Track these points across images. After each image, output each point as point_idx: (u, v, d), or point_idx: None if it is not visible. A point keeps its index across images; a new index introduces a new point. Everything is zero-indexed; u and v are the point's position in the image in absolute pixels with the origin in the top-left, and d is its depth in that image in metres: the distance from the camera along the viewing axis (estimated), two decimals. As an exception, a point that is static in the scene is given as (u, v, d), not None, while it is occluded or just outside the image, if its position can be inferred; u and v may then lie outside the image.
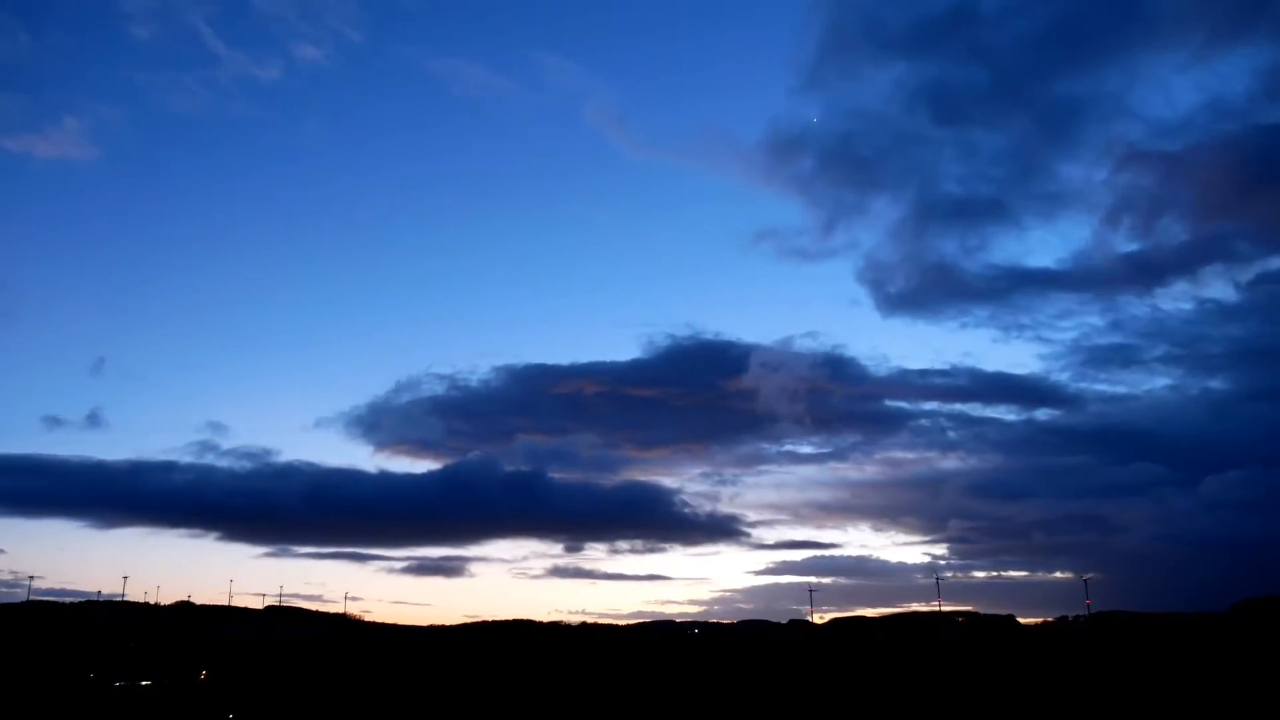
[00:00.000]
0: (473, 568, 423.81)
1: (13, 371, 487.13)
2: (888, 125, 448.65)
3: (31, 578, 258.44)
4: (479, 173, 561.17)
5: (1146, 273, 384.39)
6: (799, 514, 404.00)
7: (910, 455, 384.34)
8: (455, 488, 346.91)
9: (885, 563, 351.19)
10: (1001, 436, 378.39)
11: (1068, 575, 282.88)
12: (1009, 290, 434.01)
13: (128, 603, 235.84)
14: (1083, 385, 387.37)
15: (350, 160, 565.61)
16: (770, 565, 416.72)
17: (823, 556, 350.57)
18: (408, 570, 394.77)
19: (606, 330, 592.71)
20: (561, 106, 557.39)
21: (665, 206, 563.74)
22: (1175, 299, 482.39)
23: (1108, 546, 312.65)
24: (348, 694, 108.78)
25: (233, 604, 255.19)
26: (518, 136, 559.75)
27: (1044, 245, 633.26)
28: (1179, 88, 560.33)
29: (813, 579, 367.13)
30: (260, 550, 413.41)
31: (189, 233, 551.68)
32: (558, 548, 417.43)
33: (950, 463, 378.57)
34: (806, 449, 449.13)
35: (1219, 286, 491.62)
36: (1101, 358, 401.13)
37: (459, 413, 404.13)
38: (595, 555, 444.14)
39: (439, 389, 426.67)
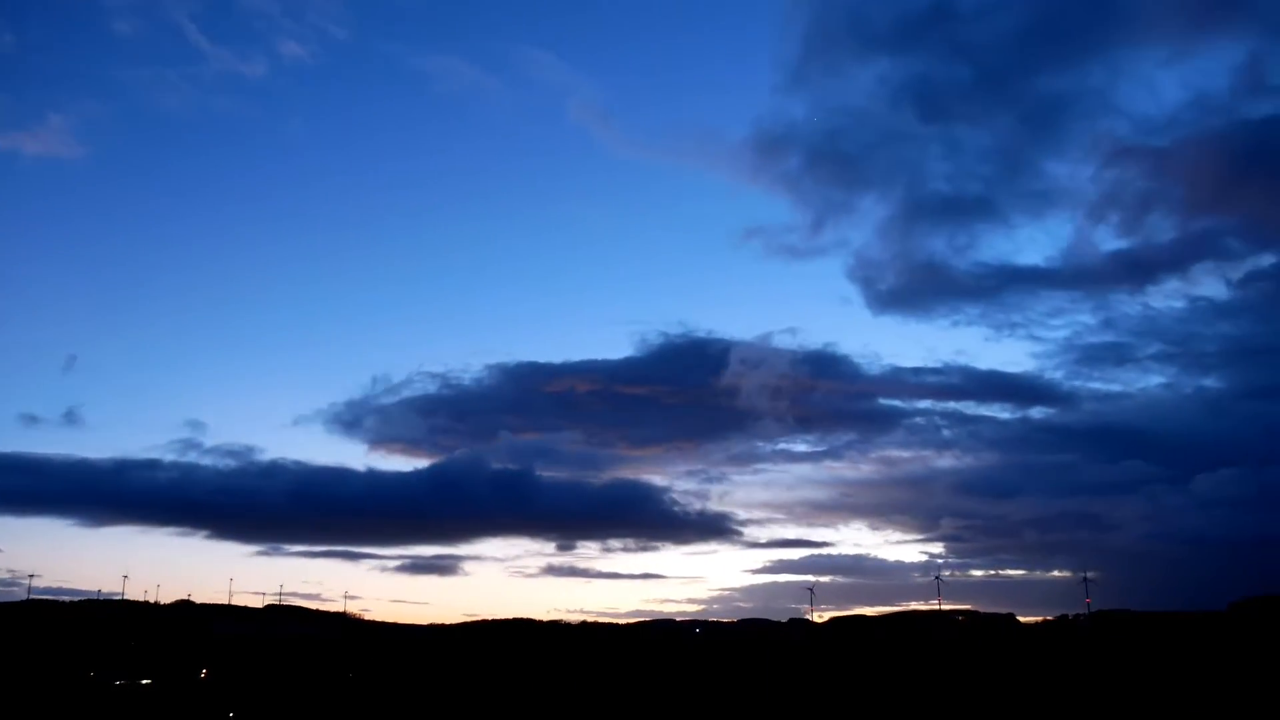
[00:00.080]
0: (467, 566, 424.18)
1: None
2: (873, 122, 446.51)
3: (31, 576, 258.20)
4: (466, 170, 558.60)
5: (1137, 270, 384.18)
6: (794, 513, 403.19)
7: (905, 454, 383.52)
8: (447, 486, 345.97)
9: (882, 561, 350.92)
10: (996, 435, 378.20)
11: (1065, 574, 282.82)
12: (999, 288, 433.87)
13: (127, 601, 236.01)
14: (1076, 383, 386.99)
15: (338, 158, 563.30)
16: (767, 564, 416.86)
17: (819, 555, 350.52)
18: (401, 569, 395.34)
19: (599, 328, 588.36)
20: (546, 103, 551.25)
21: (654, 204, 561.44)
22: (1167, 297, 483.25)
23: (1105, 545, 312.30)
24: (349, 693, 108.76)
25: (232, 603, 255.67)
26: (503, 133, 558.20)
27: (1033, 243, 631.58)
28: (1162, 83, 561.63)
29: (810, 578, 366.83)
30: (252, 549, 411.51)
31: (174, 230, 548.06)
32: (550, 546, 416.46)
33: (945, 461, 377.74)
34: (801, 447, 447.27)
35: (1210, 284, 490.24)
36: (1094, 356, 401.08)
37: (451, 411, 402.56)
38: (589, 554, 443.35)
39: (431, 387, 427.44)
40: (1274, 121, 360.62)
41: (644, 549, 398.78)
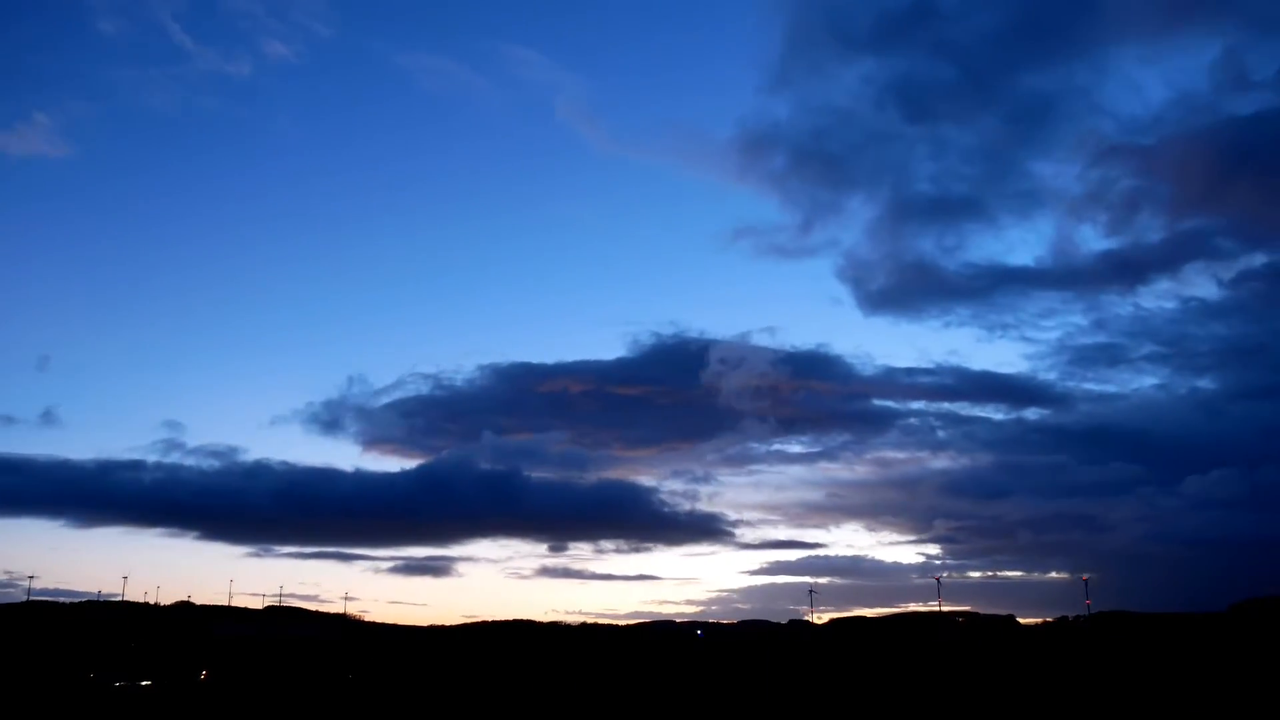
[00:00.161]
0: (461, 567, 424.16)
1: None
2: (858, 123, 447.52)
3: (31, 578, 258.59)
4: (455, 170, 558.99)
5: (1128, 271, 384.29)
6: (789, 514, 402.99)
7: (900, 455, 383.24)
8: (439, 487, 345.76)
9: (880, 563, 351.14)
10: (991, 436, 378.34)
11: (1063, 575, 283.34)
12: (989, 289, 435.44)
13: (127, 603, 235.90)
14: (1070, 384, 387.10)
15: (325, 158, 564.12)
16: (764, 565, 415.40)
17: (816, 556, 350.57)
18: (394, 570, 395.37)
19: (591, 329, 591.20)
20: (533, 101, 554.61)
21: (643, 204, 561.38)
22: (1158, 297, 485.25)
23: (1102, 546, 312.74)
24: (350, 694, 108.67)
25: (232, 604, 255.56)
26: (491, 132, 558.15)
27: (1022, 243, 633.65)
28: (1146, 81, 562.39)
29: (807, 579, 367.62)
30: (243, 550, 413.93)
31: (161, 230, 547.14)
32: (544, 547, 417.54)
33: (941, 462, 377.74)
34: (795, 448, 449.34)
35: (1202, 284, 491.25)
36: (1087, 357, 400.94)
37: (443, 412, 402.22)
38: (583, 555, 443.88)
39: (423, 388, 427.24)
40: (1260, 118, 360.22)
41: (638, 550, 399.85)
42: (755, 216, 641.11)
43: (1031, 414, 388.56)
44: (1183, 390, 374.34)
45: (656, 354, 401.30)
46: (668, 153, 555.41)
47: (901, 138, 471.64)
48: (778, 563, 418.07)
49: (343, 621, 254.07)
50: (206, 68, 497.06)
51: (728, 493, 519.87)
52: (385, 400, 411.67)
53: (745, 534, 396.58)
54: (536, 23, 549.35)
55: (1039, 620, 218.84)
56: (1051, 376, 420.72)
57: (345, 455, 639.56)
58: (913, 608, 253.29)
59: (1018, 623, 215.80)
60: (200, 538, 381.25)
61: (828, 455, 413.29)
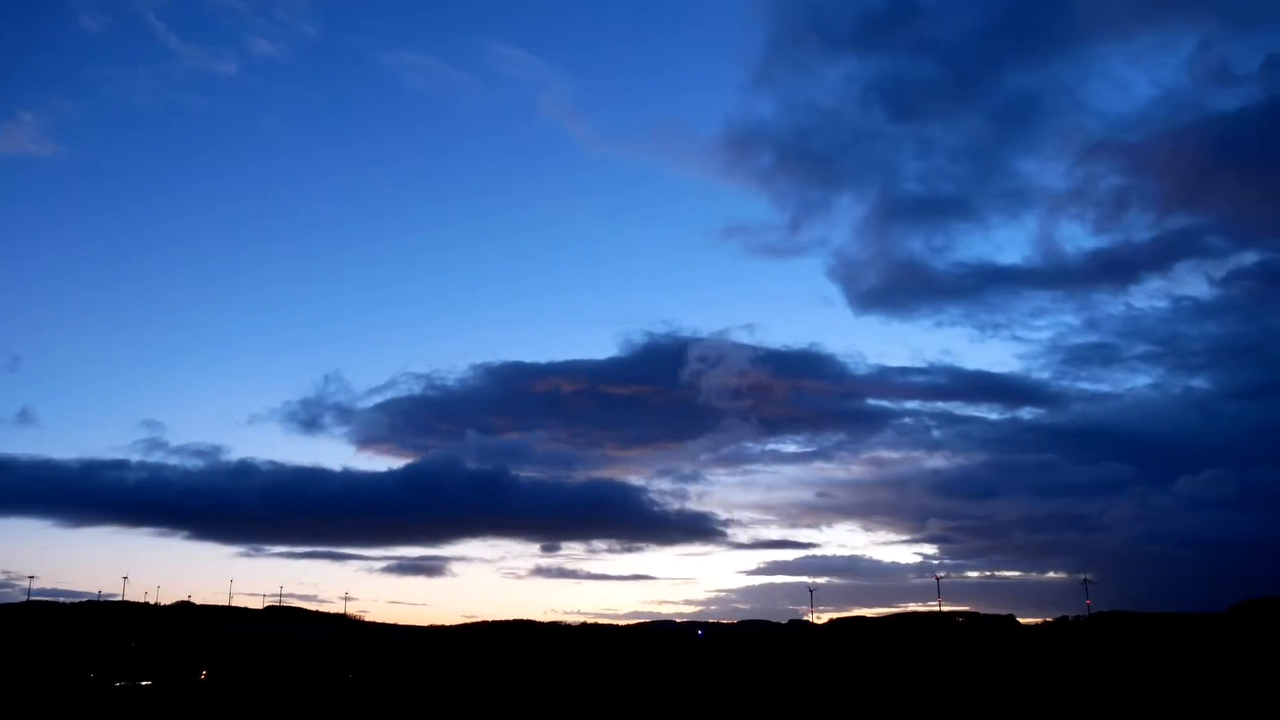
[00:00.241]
0: (456, 567, 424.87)
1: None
2: (843, 121, 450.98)
3: (31, 578, 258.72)
4: (442, 169, 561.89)
5: (1118, 270, 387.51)
6: (785, 514, 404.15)
7: (895, 455, 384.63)
8: (432, 487, 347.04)
9: (878, 563, 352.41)
10: (986, 435, 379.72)
11: (1061, 575, 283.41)
12: (980, 288, 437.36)
13: (127, 603, 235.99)
14: (1064, 384, 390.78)
15: (314, 158, 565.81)
16: (761, 565, 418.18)
17: (813, 557, 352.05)
18: (388, 570, 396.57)
19: (584, 328, 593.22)
20: (517, 99, 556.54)
21: (631, 203, 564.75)
22: (1150, 296, 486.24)
23: (1100, 546, 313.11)
24: (351, 694, 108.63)
25: (232, 604, 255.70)
26: (476, 130, 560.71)
27: (1011, 242, 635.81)
28: (1130, 78, 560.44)
29: (805, 579, 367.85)
30: (234, 550, 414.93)
31: (148, 229, 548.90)
32: (537, 547, 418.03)
33: (936, 462, 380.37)
34: (790, 448, 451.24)
35: (1193, 283, 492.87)
36: (1081, 356, 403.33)
37: (435, 412, 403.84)
38: (577, 555, 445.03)
39: (416, 388, 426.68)
40: (1245, 114, 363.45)
41: (633, 550, 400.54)
42: (744, 215, 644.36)
43: (1026, 413, 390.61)
44: (1177, 390, 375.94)
45: (649, 353, 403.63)
46: (654, 151, 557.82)
47: (887, 137, 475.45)
48: (774, 563, 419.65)
49: (343, 621, 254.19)
50: (193, 66, 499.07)
51: (722, 493, 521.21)
52: (377, 400, 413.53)
53: (741, 534, 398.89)
54: (521, 21, 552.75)
55: (1039, 620, 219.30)
56: (1045, 376, 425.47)
57: (334, 455, 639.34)
58: (912, 608, 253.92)
59: (1018, 623, 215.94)
60: (191, 537, 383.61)
61: (822, 455, 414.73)
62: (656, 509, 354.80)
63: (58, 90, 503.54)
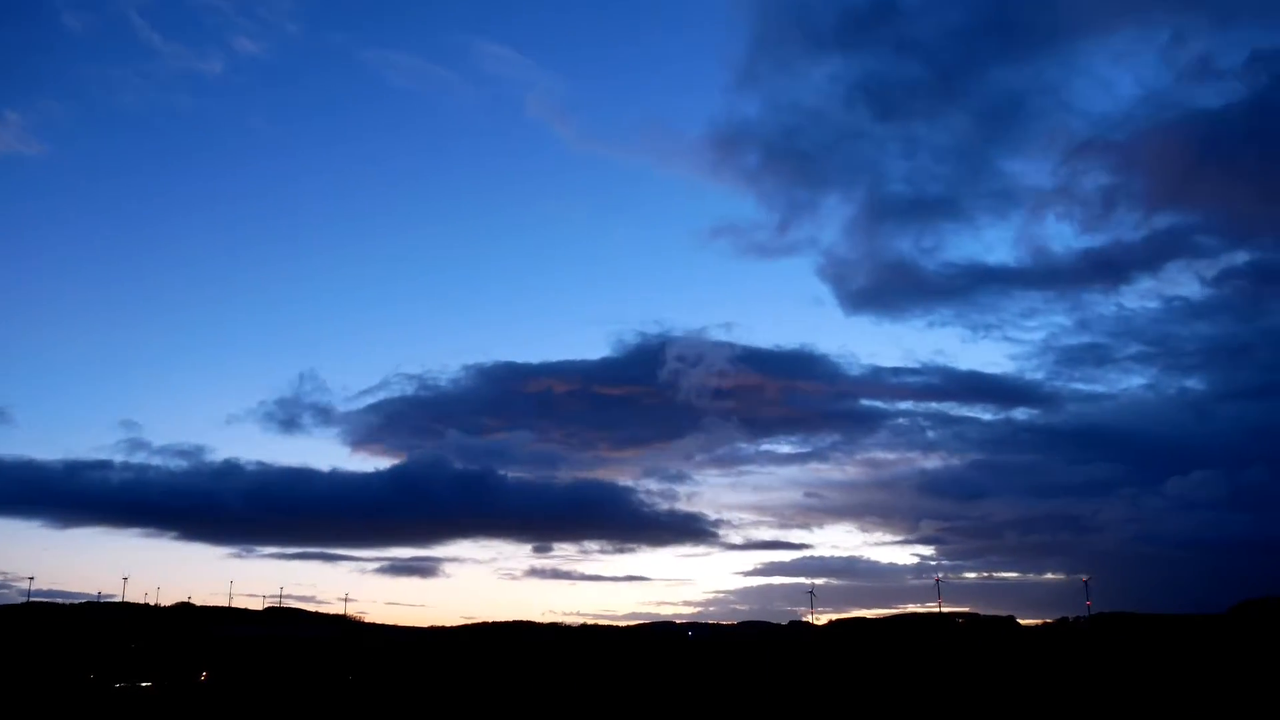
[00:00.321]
0: (451, 568, 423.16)
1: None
2: (828, 121, 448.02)
3: (30, 579, 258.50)
4: (430, 169, 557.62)
5: (1109, 270, 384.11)
6: (780, 515, 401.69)
7: (890, 455, 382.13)
8: (424, 487, 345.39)
9: (875, 564, 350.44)
10: (981, 436, 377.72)
11: (1059, 576, 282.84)
12: (970, 288, 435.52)
13: (127, 604, 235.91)
14: (1058, 384, 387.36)
15: (304, 158, 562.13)
16: (758, 566, 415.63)
17: (810, 557, 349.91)
18: (381, 571, 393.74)
19: (576, 328, 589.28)
20: (505, 98, 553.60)
21: (620, 202, 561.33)
22: (1141, 296, 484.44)
23: (1098, 546, 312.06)
24: (350, 695, 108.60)
25: (231, 605, 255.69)
26: (464, 129, 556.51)
27: (1000, 242, 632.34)
28: (1114, 76, 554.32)
29: (802, 580, 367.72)
30: (225, 550, 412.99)
31: (136, 229, 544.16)
32: (529, 548, 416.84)
33: (931, 462, 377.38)
34: (785, 449, 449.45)
35: (1184, 282, 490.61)
36: (1074, 357, 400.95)
37: (428, 412, 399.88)
38: (572, 555, 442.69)
39: (408, 389, 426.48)
40: (1230, 110, 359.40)
41: (628, 551, 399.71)
42: (733, 214, 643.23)
43: (1020, 414, 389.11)
44: (1171, 390, 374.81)
45: (641, 354, 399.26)
46: (641, 150, 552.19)
47: (872, 136, 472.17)
48: (771, 564, 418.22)
49: (343, 623, 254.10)
50: (178, 65, 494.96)
51: (716, 494, 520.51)
52: (369, 401, 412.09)
53: (736, 535, 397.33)
54: (506, 19, 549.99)
55: (1039, 621, 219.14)
56: (1039, 376, 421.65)
57: (324, 455, 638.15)
58: (910, 608, 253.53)
59: (1018, 623, 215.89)
60: (181, 538, 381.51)
61: (817, 456, 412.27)
62: (650, 510, 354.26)
63: (43, 89, 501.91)
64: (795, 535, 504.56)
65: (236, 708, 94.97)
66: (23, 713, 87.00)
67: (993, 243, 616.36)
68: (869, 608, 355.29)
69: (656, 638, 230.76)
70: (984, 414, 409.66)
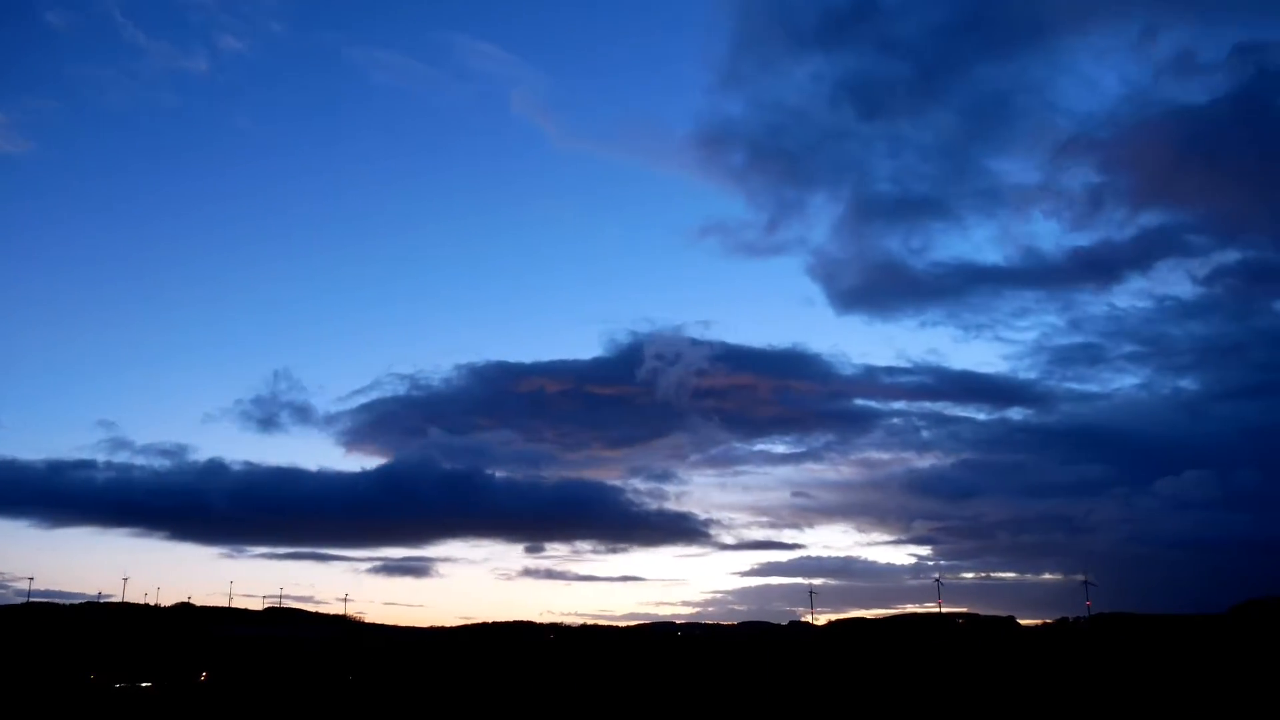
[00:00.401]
0: (446, 568, 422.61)
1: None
2: (813, 120, 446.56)
3: (31, 579, 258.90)
4: (420, 168, 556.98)
5: (1099, 269, 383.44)
6: (775, 515, 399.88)
7: (885, 455, 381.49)
8: (417, 487, 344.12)
9: (872, 564, 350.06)
10: (976, 436, 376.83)
11: (1057, 576, 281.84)
12: (961, 288, 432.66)
13: (127, 604, 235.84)
14: (1051, 384, 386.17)
15: (291, 157, 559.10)
16: (755, 566, 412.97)
17: (807, 557, 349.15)
18: (374, 571, 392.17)
19: (568, 328, 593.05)
20: (490, 96, 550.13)
21: (611, 201, 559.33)
22: (1132, 296, 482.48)
23: (1095, 546, 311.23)
24: (350, 695, 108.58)
25: (232, 606, 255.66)
26: (451, 129, 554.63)
27: (989, 242, 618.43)
28: (1098, 74, 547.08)
29: (799, 580, 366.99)
30: (216, 551, 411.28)
31: (122, 228, 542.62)
32: (522, 548, 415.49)
33: (926, 462, 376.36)
34: (780, 448, 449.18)
35: (1175, 281, 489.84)
36: (1066, 357, 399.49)
37: (420, 412, 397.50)
38: (567, 555, 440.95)
39: (400, 389, 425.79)
40: (1215, 105, 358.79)
41: (620, 551, 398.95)
42: (722, 213, 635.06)
43: (1015, 414, 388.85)
44: (1165, 390, 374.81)
45: (634, 353, 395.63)
46: (629, 149, 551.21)
47: (857, 135, 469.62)
48: (767, 564, 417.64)
49: (343, 623, 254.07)
50: (164, 64, 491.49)
51: (711, 494, 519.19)
52: (361, 400, 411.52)
53: (731, 535, 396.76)
54: (489, 16, 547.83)
55: (1039, 621, 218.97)
56: (1032, 376, 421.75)
57: (313, 455, 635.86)
58: (909, 609, 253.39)
59: (1018, 624, 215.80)
60: (170, 537, 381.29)
61: (812, 456, 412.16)
62: (643, 509, 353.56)
63: (28, 87, 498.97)
64: (790, 535, 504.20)
65: (237, 708, 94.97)
66: (23, 713, 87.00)
67: (981, 242, 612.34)
68: (867, 608, 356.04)
69: (657, 638, 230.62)
70: (978, 414, 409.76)
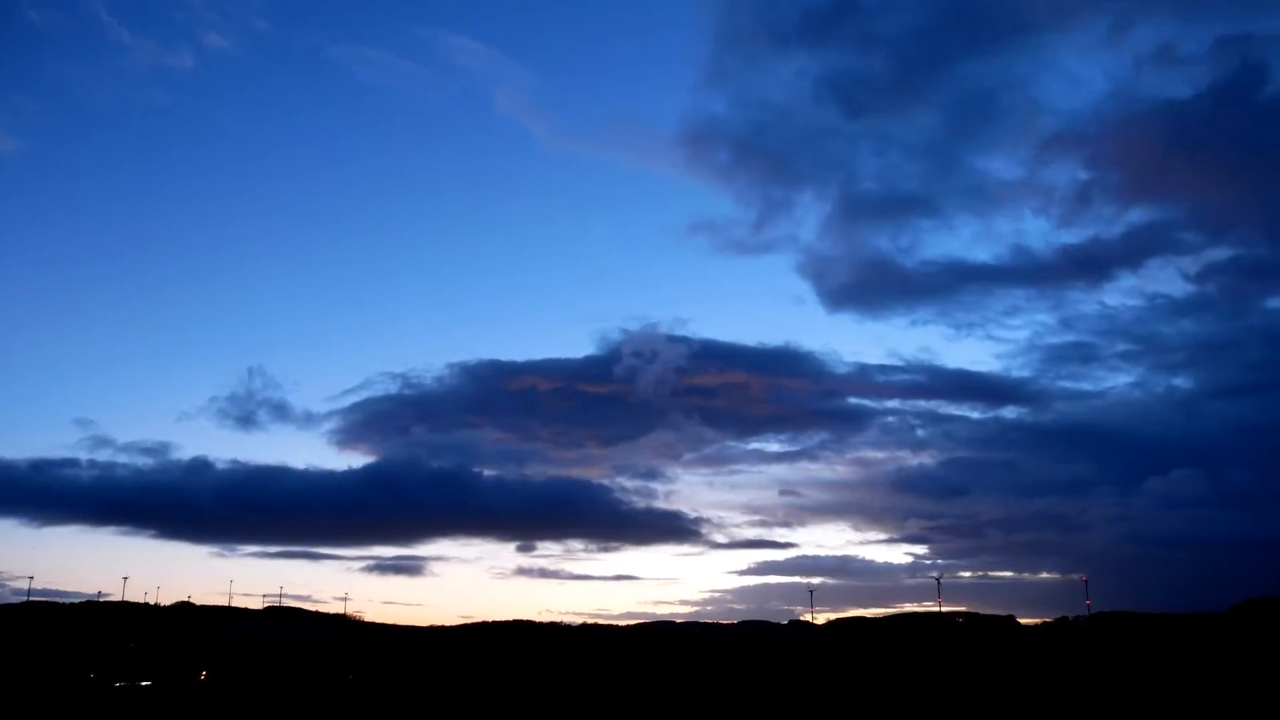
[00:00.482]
0: (443, 567, 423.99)
1: None
2: (797, 118, 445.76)
3: (31, 579, 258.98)
4: (409, 167, 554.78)
5: (1089, 267, 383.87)
6: (770, 514, 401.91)
7: (880, 454, 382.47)
8: (409, 486, 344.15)
9: (870, 563, 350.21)
10: (971, 434, 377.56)
11: (1054, 576, 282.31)
12: (951, 286, 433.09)
13: (127, 603, 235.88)
14: (1045, 382, 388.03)
15: (280, 156, 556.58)
16: (751, 565, 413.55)
17: (805, 557, 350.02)
18: (367, 570, 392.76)
19: (561, 326, 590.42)
20: (476, 93, 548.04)
21: (601, 200, 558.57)
22: (1123, 294, 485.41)
23: (1093, 546, 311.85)
24: (350, 695, 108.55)
25: (232, 605, 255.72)
26: (438, 127, 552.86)
27: (978, 240, 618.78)
28: (1080, 69, 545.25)
29: (797, 579, 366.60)
30: (207, 549, 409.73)
31: (112, 225, 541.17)
32: (514, 547, 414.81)
33: (922, 460, 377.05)
34: (774, 447, 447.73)
35: (1166, 279, 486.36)
36: (1060, 356, 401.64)
37: (412, 410, 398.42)
38: (560, 554, 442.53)
39: (392, 387, 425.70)
40: (1199, 99, 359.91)
41: (613, 550, 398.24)
42: (710, 211, 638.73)
43: (1009, 412, 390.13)
44: (1159, 389, 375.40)
45: (626, 352, 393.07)
46: (615, 147, 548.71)
47: (842, 133, 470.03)
48: (764, 563, 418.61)
49: (343, 622, 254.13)
50: (150, 61, 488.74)
51: (705, 492, 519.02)
52: (353, 400, 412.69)
53: (727, 534, 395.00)
54: (475, 13, 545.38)
55: (1039, 620, 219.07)
56: (1025, 374, 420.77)
57: (299, 453, 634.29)
58: (907, 608, 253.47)
59: (1018, 623, 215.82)
60: (159, 536, 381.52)
61: (807, 455, 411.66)
62: (635, 508, 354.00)
63: (10, 85, 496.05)
64: (785, 534, 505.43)
65: (237, 707, 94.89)
66: (23, 712, 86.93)
67: (969, 240, 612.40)
68: (865, 607, 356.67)
69: (656, 637, 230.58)
70: (972, 412, 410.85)
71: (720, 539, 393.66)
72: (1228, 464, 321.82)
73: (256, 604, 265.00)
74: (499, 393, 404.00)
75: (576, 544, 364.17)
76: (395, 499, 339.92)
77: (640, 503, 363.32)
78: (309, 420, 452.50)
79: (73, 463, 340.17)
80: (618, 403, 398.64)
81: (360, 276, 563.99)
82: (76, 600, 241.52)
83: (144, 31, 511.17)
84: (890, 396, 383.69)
